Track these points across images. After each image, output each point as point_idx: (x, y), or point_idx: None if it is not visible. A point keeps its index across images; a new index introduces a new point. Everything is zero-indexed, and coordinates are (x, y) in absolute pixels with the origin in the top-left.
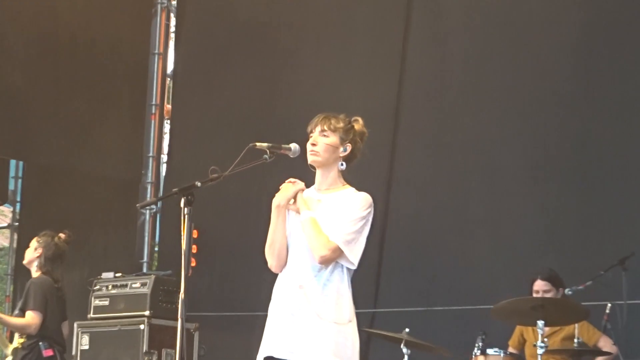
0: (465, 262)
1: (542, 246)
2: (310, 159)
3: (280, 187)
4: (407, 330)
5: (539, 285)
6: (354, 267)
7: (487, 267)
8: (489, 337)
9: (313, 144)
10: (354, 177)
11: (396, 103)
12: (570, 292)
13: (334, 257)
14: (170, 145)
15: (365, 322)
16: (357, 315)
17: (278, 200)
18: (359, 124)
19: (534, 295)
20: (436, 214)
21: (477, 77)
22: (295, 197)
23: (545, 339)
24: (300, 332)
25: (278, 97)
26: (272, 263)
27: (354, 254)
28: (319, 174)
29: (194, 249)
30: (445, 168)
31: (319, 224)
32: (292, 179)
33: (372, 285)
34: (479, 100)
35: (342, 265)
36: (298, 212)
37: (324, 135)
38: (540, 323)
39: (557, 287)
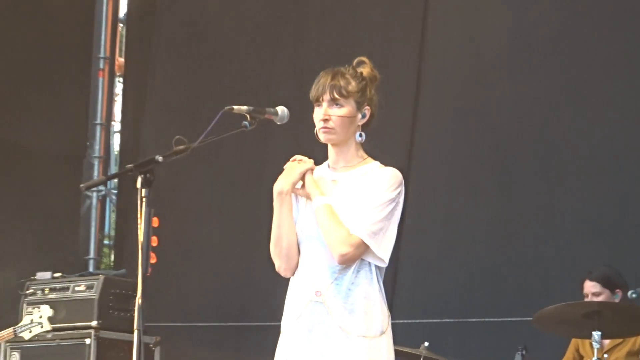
0: (504, 262)
1: (604, 243)
2: (324, 138)
3: (283, 168)
4: (426, 344)
5: (587, 287)
6: (384, 265)
7: (533, 270)
8: (531, 353)
9: (325, 120)
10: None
11: (418, 57)
12: (634, 295)
13: (357, 255)
14: (123, 111)
15: None
16: None
17: (281, 185)
18: (367, 68)
19: (585, 299)
20: (468, 200)
21: (522, 27)
22: (303, 180)
23: (605, 355)
24: (321, 352)
25: (276, 52)
26: (280, 265)
27: (384, 248)
28: (333, 150)
29: (154, 241)
30: (480, 142)
31: (336, 211)
32: (298, 157)
33: (387, 290)
34: (526, 57)
35: (369, 263)
36: (308, 198)
37: (337, 105)
38: (596, 335)
39: (612, 289)
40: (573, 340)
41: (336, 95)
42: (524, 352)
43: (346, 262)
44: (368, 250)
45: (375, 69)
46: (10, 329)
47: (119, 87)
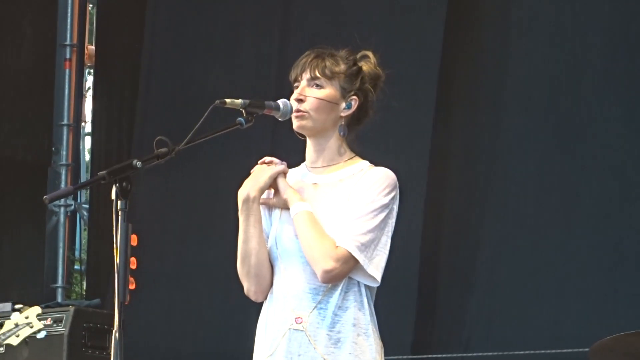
0: (552, 280)
1: None
2: (296, 123)
3: (250, 172)
4: None
5: None
6: (376, 284)
7: (594, 289)
8: None
9: (299, 100)
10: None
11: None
12: None
13: (344, 272)
14: (95, 109)
15: None
16: None
17: (247, 190)
18: (369, 64)
19: None
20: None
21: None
22: (275, 185)
23: None
24: None
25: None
26: (249, 287)
27: (375, 264)
28: (311, 145)
29: (133, 263)
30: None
31: (319, 220)
32: (267, 158)
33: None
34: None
35: (358, 284)
36: (284, 206)
37: (316, 86)
38: None
39: None
40: None
41: (317, 74)
42: None
43: (331, 280)
44: (357, 267)
45: (379, 67)
46: None
47: (90, 81)
